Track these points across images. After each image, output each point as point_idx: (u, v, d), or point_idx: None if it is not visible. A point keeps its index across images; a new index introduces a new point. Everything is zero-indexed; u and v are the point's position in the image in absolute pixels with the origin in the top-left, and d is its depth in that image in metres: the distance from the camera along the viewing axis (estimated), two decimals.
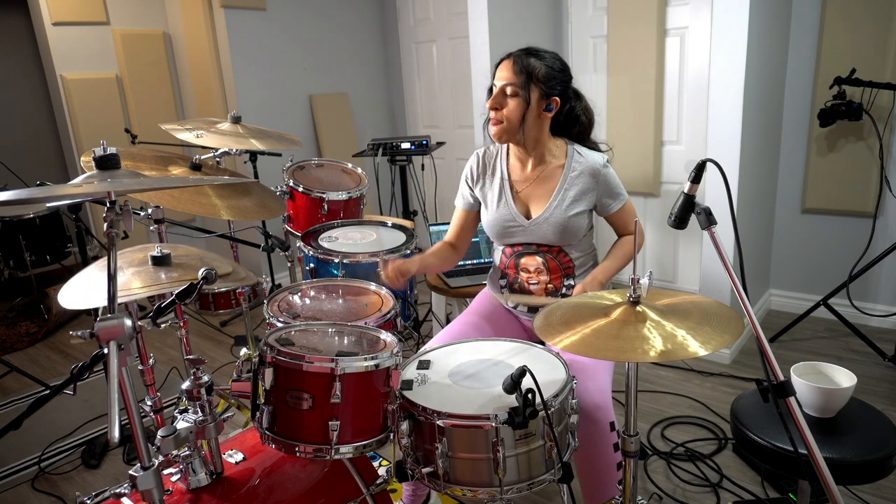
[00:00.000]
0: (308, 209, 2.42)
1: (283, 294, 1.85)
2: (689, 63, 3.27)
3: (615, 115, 3.53)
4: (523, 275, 1.83)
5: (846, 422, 1.50)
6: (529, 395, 1.19)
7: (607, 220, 1.86)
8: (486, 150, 1.91)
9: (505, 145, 1.87)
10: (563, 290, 1.81)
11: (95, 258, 3.51)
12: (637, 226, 1.41)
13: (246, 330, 2.22)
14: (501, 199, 1.83)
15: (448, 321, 2.68)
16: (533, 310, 1.85)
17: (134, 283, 1.38)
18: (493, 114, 1.73)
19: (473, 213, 1.94)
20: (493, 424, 1.21)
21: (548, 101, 1.71)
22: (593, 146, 1.87)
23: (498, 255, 1.91)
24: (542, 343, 1.52)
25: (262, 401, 1.29)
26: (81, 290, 1.39)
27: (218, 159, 2.67)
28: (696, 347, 1.10)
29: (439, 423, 1.24)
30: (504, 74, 1.69)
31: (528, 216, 1.80)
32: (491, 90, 1.75)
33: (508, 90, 1.69)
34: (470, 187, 1.91)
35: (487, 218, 1.86)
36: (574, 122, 1.82)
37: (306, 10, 4.21)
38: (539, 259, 1.80)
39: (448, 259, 1.96)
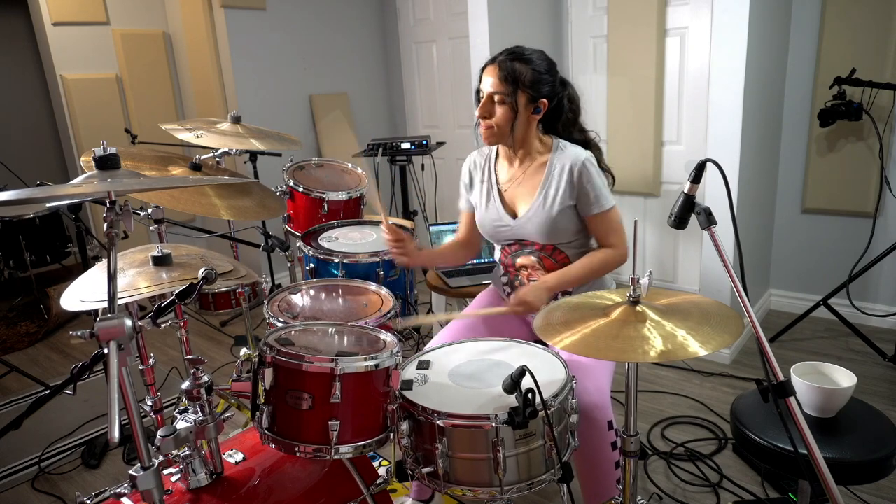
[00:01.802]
0: (308, 209, 2.42)
1: (283, 294, 1.85)
2: (689, 63, 3.27)
3: (615, 115, 3.53)
4: (522, 272, 1.84)
5: (846, 422, 1.50)
6: (529, 395, 1.19)
7: (587, 222, 1.75)
8: (477, 153, 1.92)
9: (495, 147, 1.88)
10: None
11: (95, 258, 3.51)
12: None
13: (246, 330, 2.22)
14: (490, 200, 1.83)
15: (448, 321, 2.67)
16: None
17: (137, 284, 1.38)
18: (482, 122, 1.72)
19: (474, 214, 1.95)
20: (493, 424, 1.21)
21: (535, 104, 1.71)
22: (581, 136, 1.85)
23: (497, 253, 1.93)
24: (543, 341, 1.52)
25: (262, 401, 1.29)
26: (85, 292, 1.39)
27: (218, 159, 2.67)
28: (696, 347, 1.10)
29: (439, 423, 1.24)
30: (490, 81, 1.68)
31: (514, 216, 1.80)
32: (478, 93, 1.74)
33: (496, 98, 1.68)
34: (467, 190, 1.93)
35: (478, 219, 1.88)
36: (559, 115, 1.81)
37: (306, 10, 4.21)
38: (533, 258, 1.80)
39: (460, 255, 2.02)
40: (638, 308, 1.24)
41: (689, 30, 3.22)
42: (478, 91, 1.74)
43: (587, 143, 1.85)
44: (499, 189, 1.83)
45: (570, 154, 1.73)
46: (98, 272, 1.48)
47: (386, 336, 1.45)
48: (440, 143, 3.66)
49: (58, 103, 3.96)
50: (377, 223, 2.37)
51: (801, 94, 3.13)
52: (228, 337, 3.54)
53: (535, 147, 1.79)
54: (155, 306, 1.39)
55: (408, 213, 3.53)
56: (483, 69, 1.72)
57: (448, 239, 2.74)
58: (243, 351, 1.58)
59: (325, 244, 2.16)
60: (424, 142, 3.36)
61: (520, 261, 1.83)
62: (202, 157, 2.20)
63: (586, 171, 1.70)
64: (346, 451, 1.26)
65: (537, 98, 1.70)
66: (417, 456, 1.31)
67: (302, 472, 1.42)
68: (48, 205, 3.38)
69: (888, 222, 3.02)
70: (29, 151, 4.83)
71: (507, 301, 1.92)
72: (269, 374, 1.27)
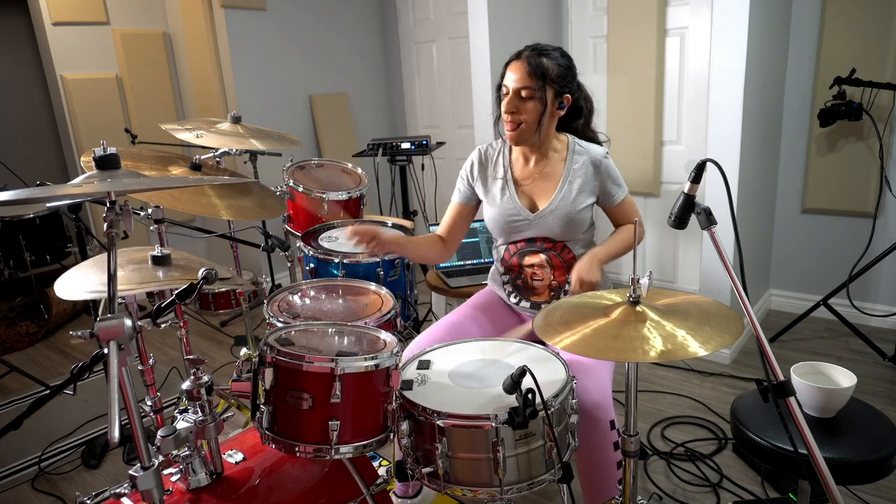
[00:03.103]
0: (308, 209, 2.43)
1: (283, 294, 1.85)
2: (689, 63, 3.27)
3: (615, 115, 3.53)
4: (527, 271, 1.83)
5: (846, 422, 1.50)
6: (529, 395, 1.19)
7: (608, 212, 1.87)
8: (488, 146, 1.91)
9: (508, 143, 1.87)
10: (567, 286, 1.81)
11: None
12: (638, 219, 1.41)
13: (246, 330, 2.23)
14: (505, 195, 1.83)
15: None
16: (535, 306, 1.85)
17: (133, 280, 1.38)
18: (508, 117, 1.72)
19: (469, 207, 1.93)
20: (493, 424, 1.21)
21: (560, 98, 1.73)
22: (592, 135, 1.89)
23: (500, 253, 1.91)
24: (542, 342, 1.52)
25: (262, 401, 1.29)
26: (79, 282, 1.39)
27: (218, 159, 2.67)
28: (696, 347, 1.10)
29: (439, 423, 1.23)
30: (517, 76, 1.68)
31: (533, 210, 1.81)
32: (499, 88, 1.75)
33: (524, 93, 1.68)
34: (469, 183, 1.91)
35: (491, 214, 1.86)
36: (577, 114, 1.84)
37: (306, 10, 4.20)
38: (542, 256, 1.81)
39: (434, 251, 1.92)
40: (638, 308, 1.24)
41: (689, 30, 3.22)
42: (499, 87, 1.75)
43: (596, 142, 1.87)
44: (515, 182, 1.84)
45: (591, 151, 1.80)
46: (91, 264, 1.47)
47: (386, 336, 1.45)
48: (440, 143, 3.66)
49: (58, 103, 3.96)
50: (377, 223, 2.38)
51: (801, 94, 3.13)
52: (228, 337, 3.53)
53: (553, 145, 1.81)
54: (155, 306, 1.39)
55: (408, 213, 3.53)
56: (507, 65, 1.73)
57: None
58: (243, 351, 1.58)
59: (325, 244, 2.16)
60: (424, 142, 3.36)
61: (527, 259, 1.83)
62: (202, 157, 2.20)
63: (608, 167, 1.79)
64: (347, 451, 1.26)
65: (562, 93, 1.72)
66: (417, 456, 1.31)
67: (302, 472, 1.42)
68: (48, 205, 3.38)
69: (888, 222, 3.02)
70: (29, 151, 4.83)
71: (508, 302, 1.92)
72: (269, 374, 1.27)
